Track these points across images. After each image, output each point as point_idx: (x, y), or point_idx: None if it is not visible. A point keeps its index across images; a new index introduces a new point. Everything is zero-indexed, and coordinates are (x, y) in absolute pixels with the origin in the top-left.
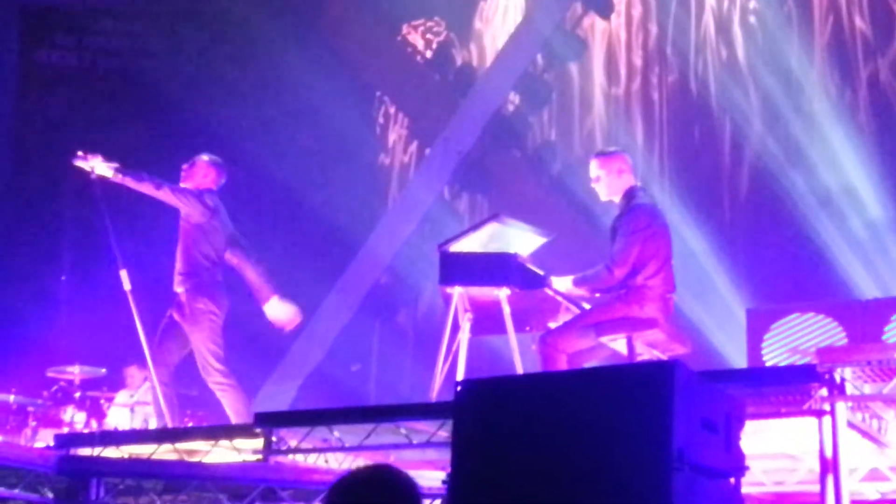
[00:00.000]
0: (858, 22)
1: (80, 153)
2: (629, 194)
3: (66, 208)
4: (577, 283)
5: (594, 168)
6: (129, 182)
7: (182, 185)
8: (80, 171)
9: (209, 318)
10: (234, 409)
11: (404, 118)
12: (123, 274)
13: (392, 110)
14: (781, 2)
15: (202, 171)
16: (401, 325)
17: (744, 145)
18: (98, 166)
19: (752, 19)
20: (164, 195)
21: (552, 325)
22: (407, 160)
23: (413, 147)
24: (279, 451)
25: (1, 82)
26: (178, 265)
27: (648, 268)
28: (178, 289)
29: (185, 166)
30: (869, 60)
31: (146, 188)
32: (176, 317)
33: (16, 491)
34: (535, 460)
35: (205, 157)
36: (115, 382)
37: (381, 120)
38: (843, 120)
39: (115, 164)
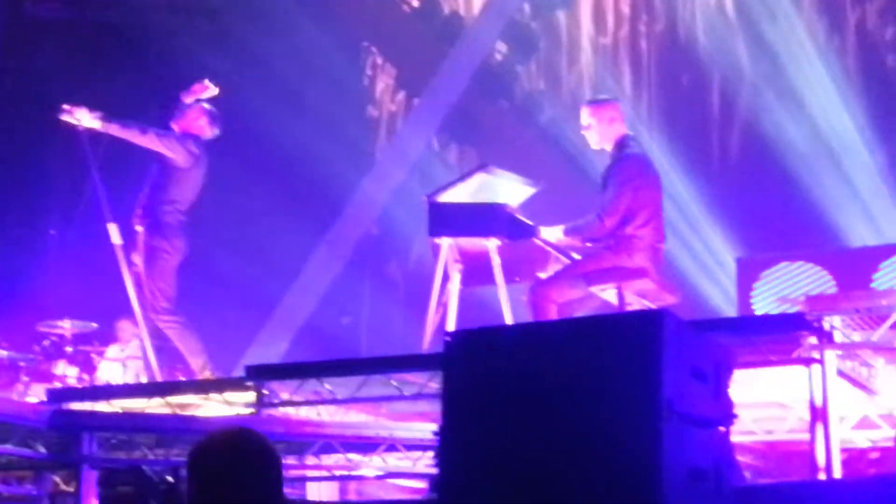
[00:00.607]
0: None
1: (65, 107)
2: (620, 143)
3: (54, 161)
4: (566, 232)
5: (585, 116)
6: (115, 130)
7: (172, 124)
8: (67, 125)
9: (162, 255)
10: (185, 346)
11: (392, 68)
12: (112, 227)
13: (379, 60)
14: None
15: (194, 116)
16: (391, 276)
17: (732, 93)
18: (84, 118)
19: None
20: (149, 140)
21: (542, 275)
22: (395, 110)
23: (401, 97)
24: (271, 405)
25: None
26: (140, 204)
27: (638, 218)
28: (138, 227)
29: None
30: (856, 5)
31: (132, 134)
32: (135, 259)
33: (8, 446)
34: (525, 410)
35: (204, 104)
36: (106, 337)
37: (368, 71)
38: (831, 65)
39: (100, 113)
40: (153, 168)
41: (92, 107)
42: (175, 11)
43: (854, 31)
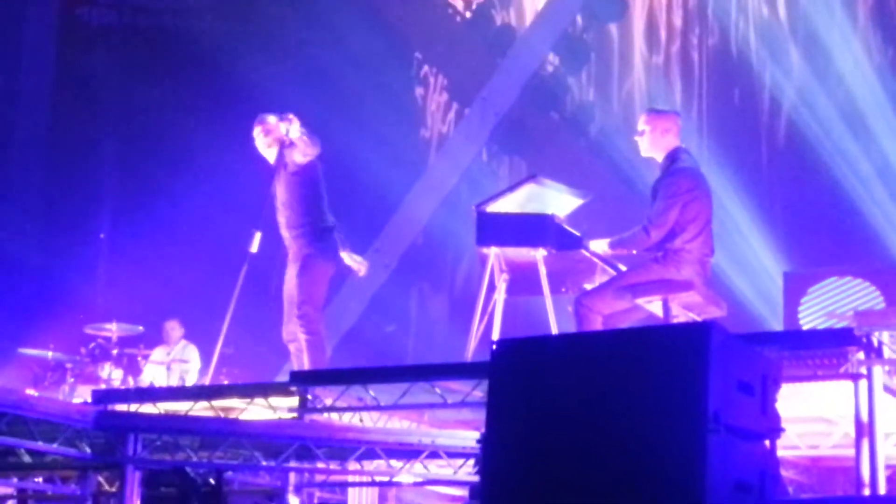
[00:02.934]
0: None
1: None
2: (672, 156)
3: (105, 166)
4: (613, 244)
5: (642, 122)
6: None
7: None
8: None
9: (318, 263)
10: (311, 358)
11: (443, 79)
12: (257, 235)
13: (432, 71)
14: None
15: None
16: (438, 285)
17: (783, 107)
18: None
19: None
20: None
21: (588, 286)
22: (445, 120)
23: (452, 110)
24: (314, 410)
25: (41, 39)
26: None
27: (688, 231)
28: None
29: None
30: None
31: None
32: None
33: (54, 445)
34: (570, 421)
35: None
36: (152, 339)
37: (420, 81)
38: (885, 79)
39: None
40: (298, 180)
41: (145, 112)
42: (227, 18)
43: None
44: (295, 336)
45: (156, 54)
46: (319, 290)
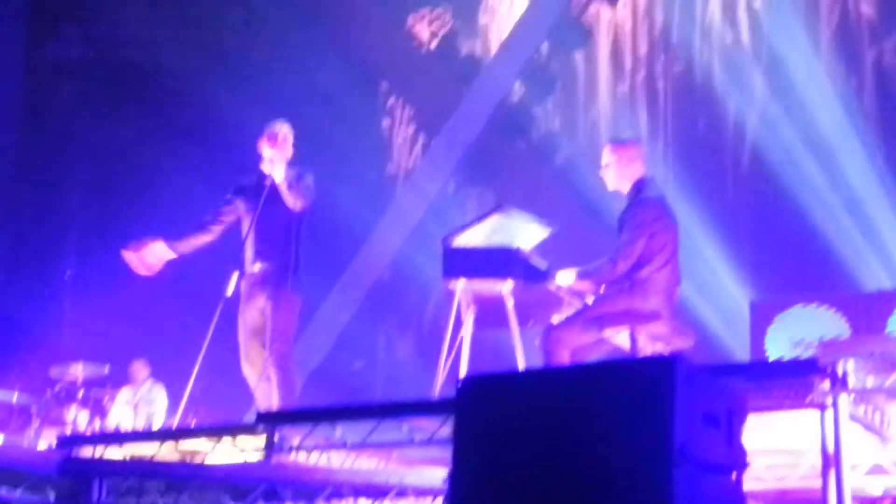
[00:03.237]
0: (865, 8)
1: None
2: (638, 186)
3: (72, 202)
4: (580, 276)
5: (606, 154)
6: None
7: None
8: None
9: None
10: (280, 392)
11: (409, 109)
12: (234, 276)
13: (397, 101)
14: None
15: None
16: (405, 320)
17: (748, 135)
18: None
19: (757, 3)
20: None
21: (556, 318)
22: (411, 151)
23: (419, 142)
24: (281, 450)
25: (8, 74)
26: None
27: (655, 262)
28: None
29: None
30: (874, 44)
31: None
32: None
33: (17, 493)
34: (537, 457)
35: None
36: (118, 379)
37: (385, 111)
38: (849, 106)
39: None
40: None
41: (109, 146)
42: (193, 50)
43: (871, 70)
44: (259, 370)
45: (122, 88)
46: (292, 327)
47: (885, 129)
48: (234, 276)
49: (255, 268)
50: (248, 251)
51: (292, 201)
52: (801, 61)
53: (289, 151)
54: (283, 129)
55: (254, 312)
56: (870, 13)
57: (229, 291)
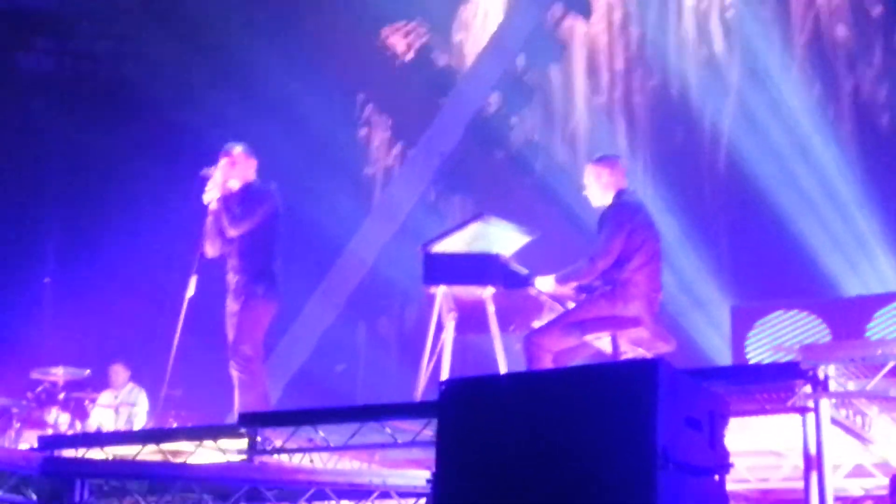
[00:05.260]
0: (840, 30)
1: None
2: (617, 195)
3: (48, 210)
4: (560, 279)
5: (587, 175)
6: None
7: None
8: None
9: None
10: (244, 398)
11: (387, 119)
12: (193, 280)
13: (374, 112)
14: (761, 2)
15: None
16: (385, 325)
17: (724, 143)
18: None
19: (730, 15)
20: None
21: (536, 324)
22: (390, 161)
23: (396, 148)
24: (264, 451)
25: None
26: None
27: (634, 260)
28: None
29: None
30: (848, 57)
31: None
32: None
33: None
34: (520, 460)
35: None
36: (98, 383)
37: (363, 122)
38: (826, 117)
39: None
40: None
41: (86, 158)
42: (166, 62)
43: (844, 77)
44: None
45: (96, 100)
46: (260, 332)
47: (861, 138)
48: (193, 279)
49: (230, 280)
50: (227, 265)
51: (226, 227)
52: (775, 71)
53: (236, 173)
54: (235, 150)
55: (232, 320)
56: (846, 35)
57: (189, 293)
